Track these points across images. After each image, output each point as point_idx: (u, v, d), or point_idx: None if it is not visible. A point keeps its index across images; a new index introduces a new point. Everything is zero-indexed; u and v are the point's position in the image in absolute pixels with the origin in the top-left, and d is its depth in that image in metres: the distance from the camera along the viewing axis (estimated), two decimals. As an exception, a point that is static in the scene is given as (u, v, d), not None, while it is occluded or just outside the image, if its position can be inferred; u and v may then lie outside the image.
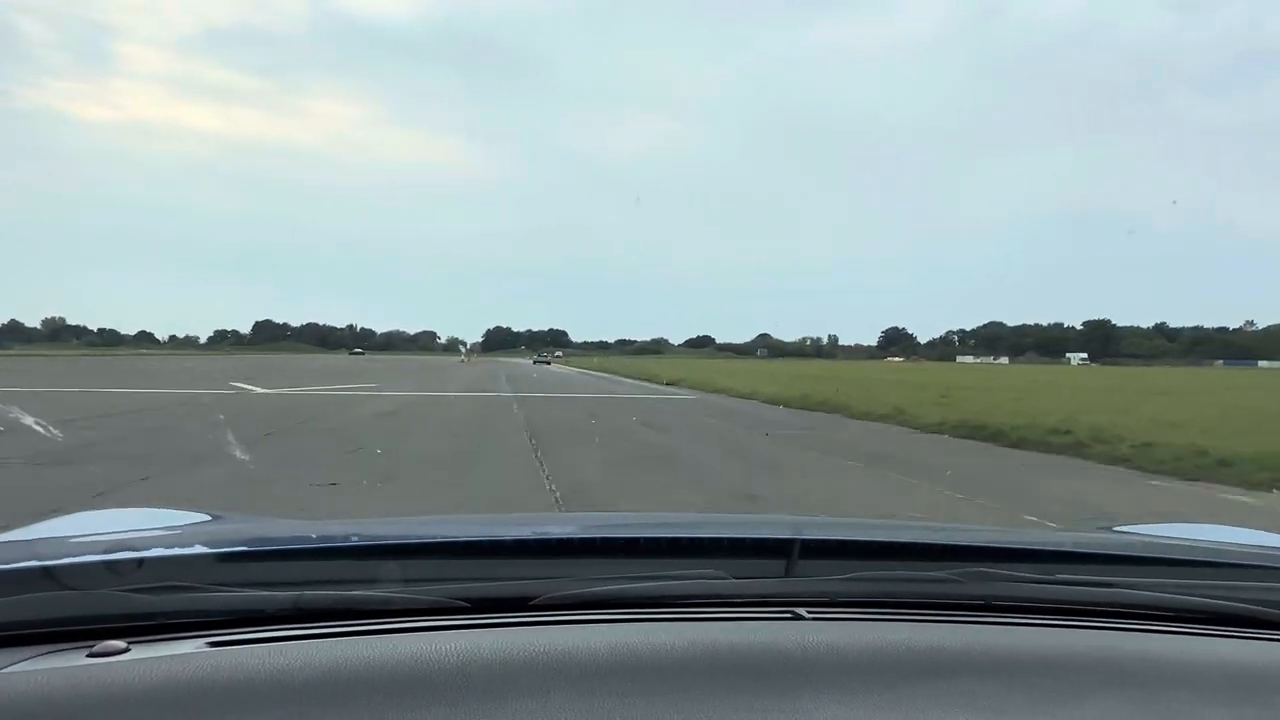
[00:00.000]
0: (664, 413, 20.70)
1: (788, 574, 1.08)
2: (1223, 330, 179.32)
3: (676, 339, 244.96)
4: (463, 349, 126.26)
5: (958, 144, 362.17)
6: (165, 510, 1.68)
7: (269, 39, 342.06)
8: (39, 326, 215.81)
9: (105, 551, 1.02)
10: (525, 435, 13.90)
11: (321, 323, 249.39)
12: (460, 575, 1.02)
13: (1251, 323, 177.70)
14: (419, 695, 0.75)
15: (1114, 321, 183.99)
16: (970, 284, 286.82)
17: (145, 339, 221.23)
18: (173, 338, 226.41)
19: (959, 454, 12.99)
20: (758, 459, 11.96)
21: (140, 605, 0.91)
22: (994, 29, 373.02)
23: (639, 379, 43.22)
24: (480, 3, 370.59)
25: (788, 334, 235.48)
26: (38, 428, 12.88)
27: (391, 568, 1.04)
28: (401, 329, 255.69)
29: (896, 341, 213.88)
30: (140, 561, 0.98)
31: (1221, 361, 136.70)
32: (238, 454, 10.57)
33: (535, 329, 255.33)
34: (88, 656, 0.83)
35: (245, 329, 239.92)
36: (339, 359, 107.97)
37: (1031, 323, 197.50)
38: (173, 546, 1.19)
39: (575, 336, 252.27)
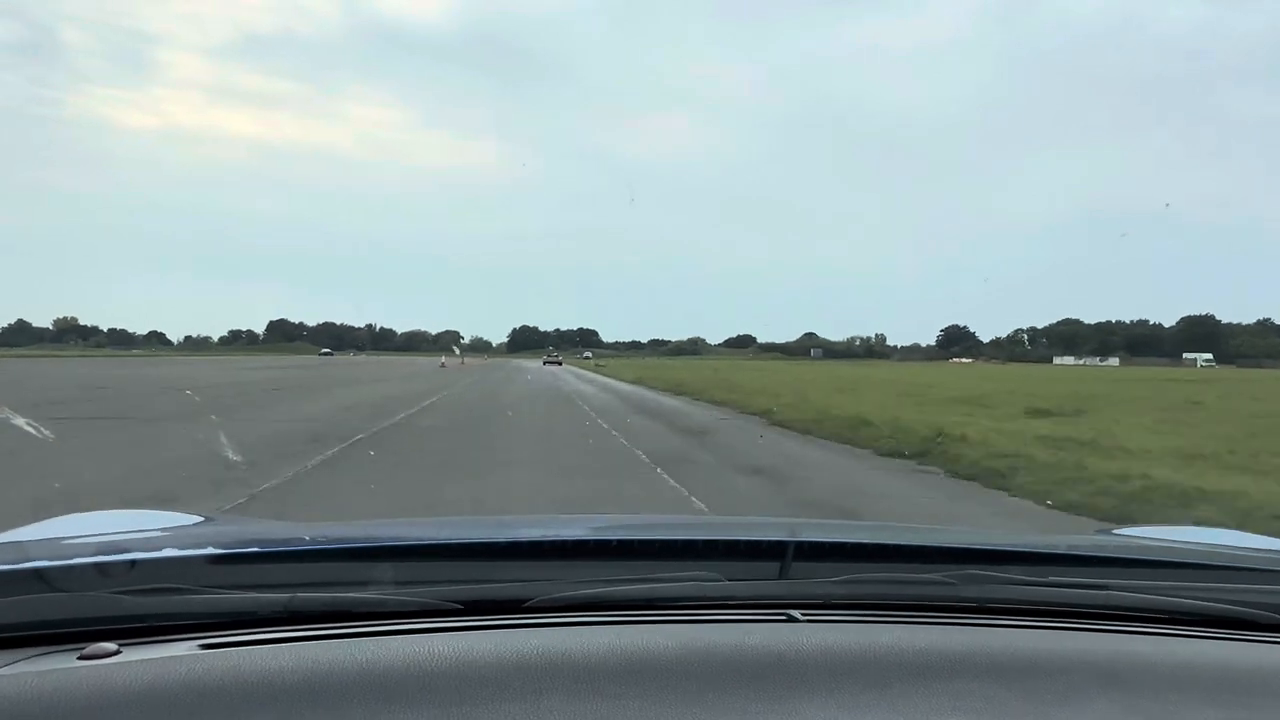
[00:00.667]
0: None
1: (782, 576, 1.08)
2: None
3: (714, 338, 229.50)
4: (456, 350, 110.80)
5: (999, 139, 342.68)
6: (157, 512, 1.69)
7: (304, 44, 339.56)
8: (50, 326, 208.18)
9: (96, 553, 1.02)
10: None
11: (338, 322, 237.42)
12: (454, 577, 1.02)
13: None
14: (413, 698, 0.75)
15: (1218, 317, 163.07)
16: (1033, 280, 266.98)
17: (156, 339, 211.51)
18: (188, 338, 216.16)
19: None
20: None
21: (131, 607, 0.91)
22: (1032, 21, 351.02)
23: (714, 401, 26.00)
24: (510, 5, 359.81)
25: (834, 333, 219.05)
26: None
27: (385, 570, 1.04)
28: (424, 329, 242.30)
29: (958, 340, 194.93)
30: (132, 563, 0.99)
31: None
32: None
33: (564, 328, 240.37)
34: (78, 659, 0.82)
35: (260, 329, 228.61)
36: (289, 360, 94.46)
37: (1113, 319, 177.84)
38: (164, 548, 1.17)
39: (606, 336, 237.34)
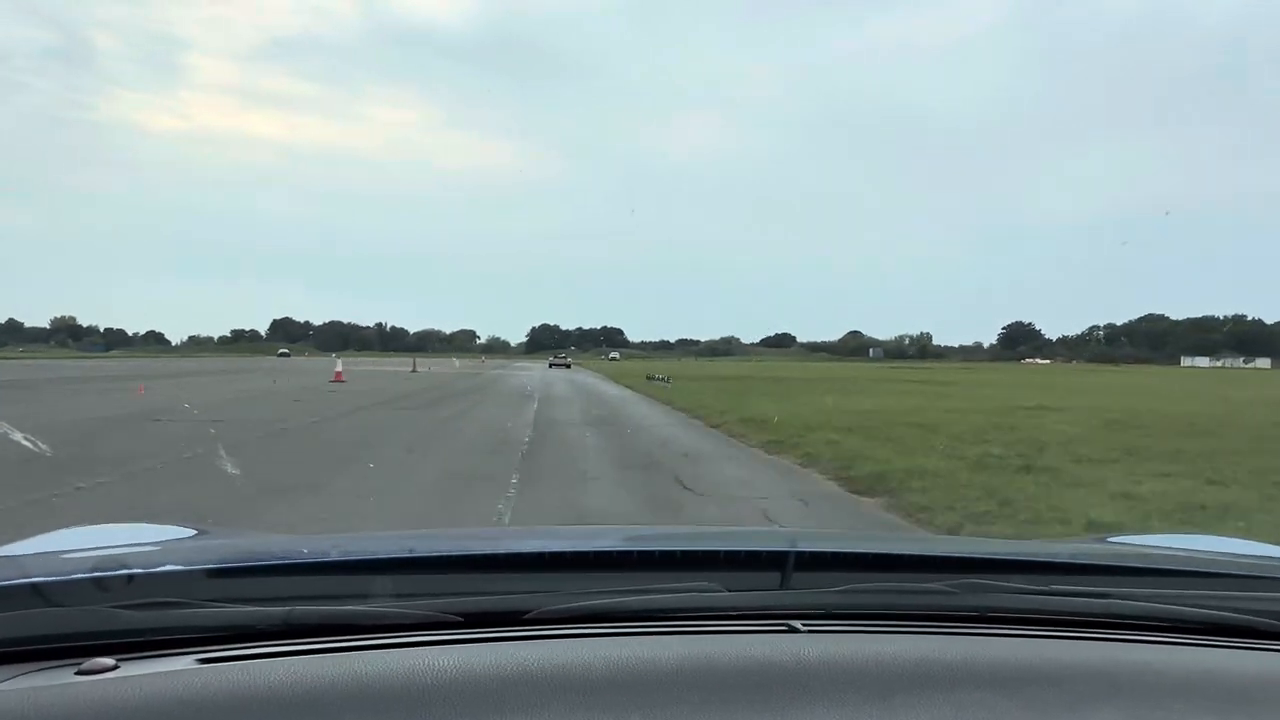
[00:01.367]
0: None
1: (783, 586, 1.07)
2: None
3: (749, 337, 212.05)
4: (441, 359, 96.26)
5: (1038, 134, 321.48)
6: (153, 525, 1.68)
7: (329, 47, 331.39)
8: (47, 325, 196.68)
9: (94, 568, 1.00)
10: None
11: (346, 321, 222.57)
12: (453, 590, 1.02)
13: None
14: (413, 711, 0.75)
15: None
16: (1099, 275, 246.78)
17: (154, 339, 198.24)
18: (191, 338, 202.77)
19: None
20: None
21: (129, 622, 0.90)
22: (1067, 14, 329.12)
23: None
24: (533, 5, 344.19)
25: (880, 331, 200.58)
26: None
27: (384, 582, 1.04)
28: (438, 328, 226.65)
29: (1022, 339, 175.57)
30: (129, 578, 0.97)
31: None
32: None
33: (586, 327, 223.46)
34: (76, 674, 0.82)
35: (264, 328, 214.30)
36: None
37: (1211, 314, 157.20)
38: (162, 563, 1.17)
39: (632, 336, 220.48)
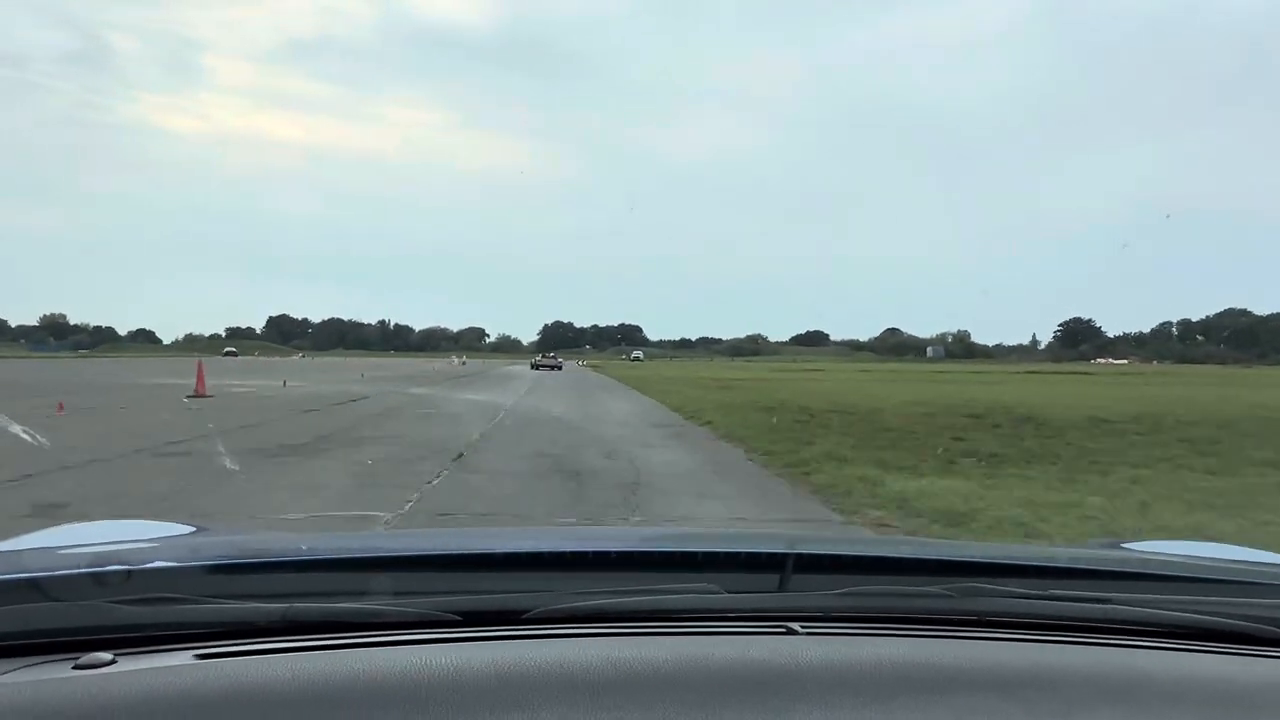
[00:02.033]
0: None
1: (781, 588, 1.07)
2: None
3: (777, 335, 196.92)
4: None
5: (1061, 130, 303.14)
6: (151, 522, 1.65)
7: (346, 48, 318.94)
8: (37, 323, 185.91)
9: (92, 563, 1.01)
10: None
11: (346, 318, 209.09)
12: (452, 588, 1.01)
13: None
14: (410, 709, 0.74)
15: None
16: (1162, 268, 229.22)
17: (144, 337, 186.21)
18: (187, 336, 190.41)
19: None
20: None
21: (127, 617, 0.89)
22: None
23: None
24: (549, 5, 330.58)
25: (918, 328, 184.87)
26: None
27: (382, 580, 1.03)
28: (445, 326, 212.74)
29: (1082, 337, 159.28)
30: (128, 573, 0.98)
31: None
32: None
33: (602, 324, 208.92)
34: (74, 668, 0.81)
35: (259, 325, 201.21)
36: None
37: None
38: (160, 558, 1.17)
39: (651, 334, 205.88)
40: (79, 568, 0.99)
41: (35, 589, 0.93)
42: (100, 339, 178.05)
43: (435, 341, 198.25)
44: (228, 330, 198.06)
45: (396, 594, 0.98)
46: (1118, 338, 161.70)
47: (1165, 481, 8.94)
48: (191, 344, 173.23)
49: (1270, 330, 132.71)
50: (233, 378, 31.91)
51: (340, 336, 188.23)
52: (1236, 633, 1.02)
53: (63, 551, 1.24)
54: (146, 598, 0.90)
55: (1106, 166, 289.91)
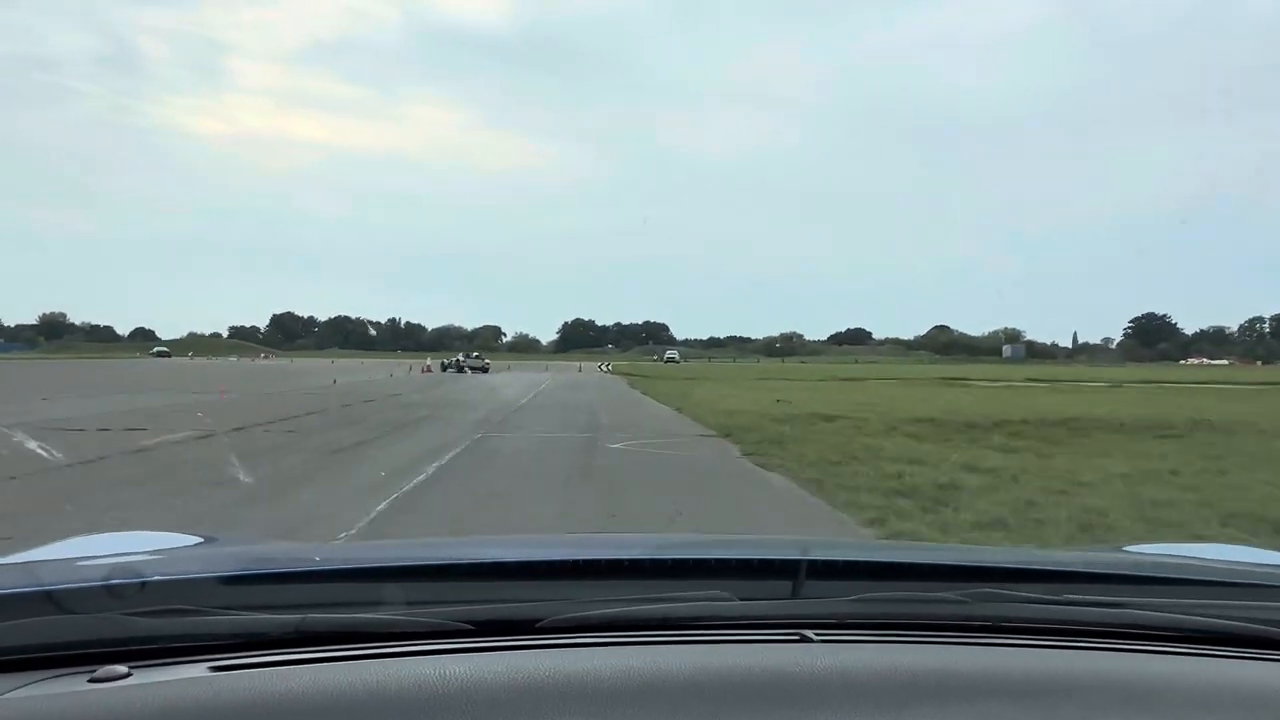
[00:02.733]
0: None
1: (794, 595, 1.06)
2: None
3: (814, 333, 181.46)
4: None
5: (1093, 126, 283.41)
6: (164, 533, 1.65)
7: (370, 50, 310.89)
8: (36, 322, 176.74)
9: (107, 575, 1.00)
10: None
11: (354, 316, 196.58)
12: (464, 598, 1.02)
13: None
14: (424, 719, 0.75)
15: None
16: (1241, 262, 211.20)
17: (142, 336, 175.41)
18: (190, 334, 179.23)
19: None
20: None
21: (142, 629, 0.89)
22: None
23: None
24: (572, 5, 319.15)
25: (968, 325, 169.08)
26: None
27: (395, 590, 1.03)
28: (459, 325, 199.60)
29: (1158, 335, 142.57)
30: (142, 585, 0.97)
31: None
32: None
33: (626, 322, 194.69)
34: (89, 681, 0.81)
35: (263, 323, 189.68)
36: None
37: None
38: (175, 570, 1.16)
39: (678, 332, 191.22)
40: (94, 580, 0.98)
41: (50, 602, 0.92)
42: (99, 338, 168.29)
43: (449, 341, 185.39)
44: (230, 329, 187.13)
45: (409, 604, 0.97)
46: (1197, 335, 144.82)
47: None
48: (193, 343, 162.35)
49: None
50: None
51: (344, 336, 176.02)
52: (1255, 636, 1.00)
53: (77, 564, 1.23)
54: (161, 609, 0.90)
55: (1166, 153, 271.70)
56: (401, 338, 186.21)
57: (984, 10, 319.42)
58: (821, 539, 2.89)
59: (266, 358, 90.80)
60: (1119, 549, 1.74)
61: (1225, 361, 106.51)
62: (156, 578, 1.03)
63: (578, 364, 70.17)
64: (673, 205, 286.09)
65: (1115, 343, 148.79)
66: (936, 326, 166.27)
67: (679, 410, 20.02)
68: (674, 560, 1.20)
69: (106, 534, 1.71)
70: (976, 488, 8.41)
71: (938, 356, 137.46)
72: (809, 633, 0.94)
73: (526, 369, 63.21)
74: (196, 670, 0.84)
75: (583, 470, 9.97)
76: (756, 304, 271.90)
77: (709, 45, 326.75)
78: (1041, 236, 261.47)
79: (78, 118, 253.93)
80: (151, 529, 1.69)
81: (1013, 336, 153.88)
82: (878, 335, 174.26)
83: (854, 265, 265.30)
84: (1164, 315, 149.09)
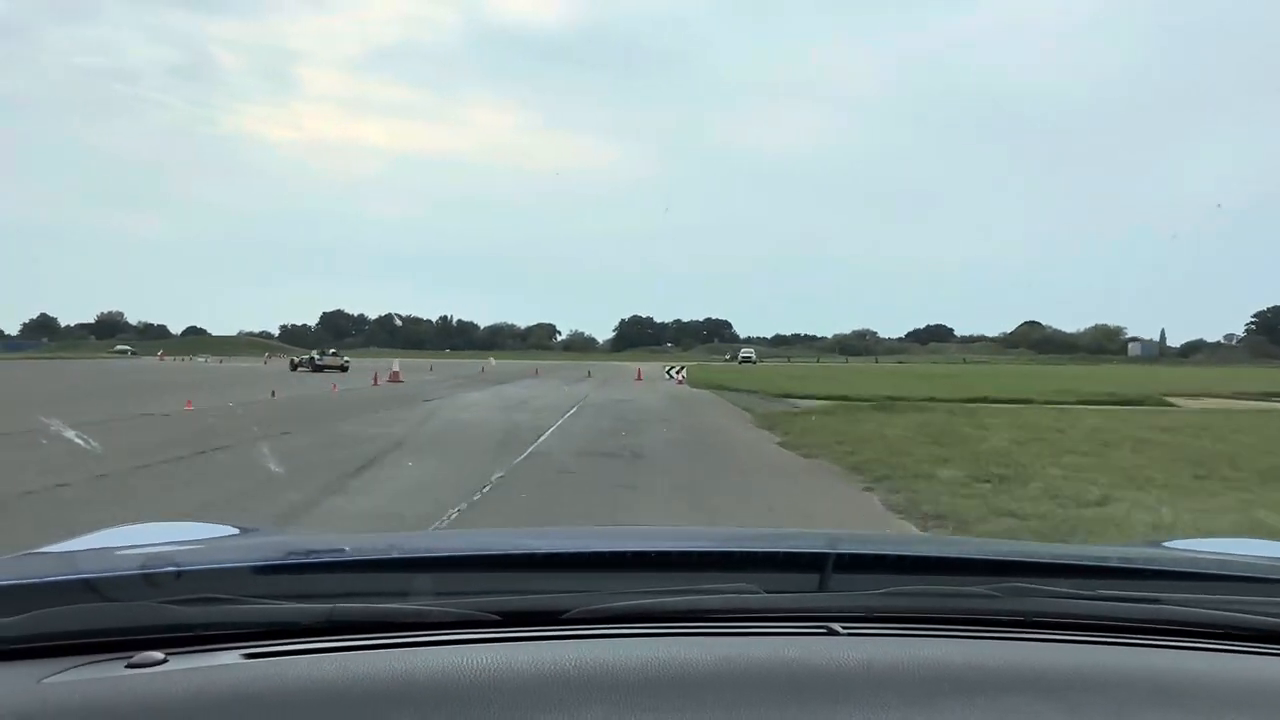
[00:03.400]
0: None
1: (821, 588, 1.05)
2: None
3: (889, 330, 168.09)
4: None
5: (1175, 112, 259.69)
6: (201, 524, 1.70)
7: (430, 55, 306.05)
8: (93, 321, 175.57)
9: (143, 564, 1.05)
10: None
11: (404, 313, 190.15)
12: (492, 589, 1.02)
13: None
14: (451, 708, 0.74)
15: None
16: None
17: (194, 334, 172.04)
18: (241, 333, 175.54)
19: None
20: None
21: (177, 617, 0.90)
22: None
23: None
24: (629, 4, 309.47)
25: (1064, 321, 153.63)
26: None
27: (424, 581, 1.04)
28: (512, 323, 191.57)
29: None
30: (178, 574, 1.02)
31: None
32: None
33: (686, 319, 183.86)
34: (126, 667, 0.82)
35: (313, 321, 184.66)
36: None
37: None
38: (209, 560, 1.20)
39: (741, 329, 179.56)
40: (131, 569, 1.02)
41: (90, 589, 0.96)
42: (151, 335, 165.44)
43: (501, 339, 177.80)
44: (281, 328, 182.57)
45: (438, 594, 0.99)
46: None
47: None
48: (229, 343, 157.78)
49: None
50: None
51: (389, 333, 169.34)
52: None
53: (116, 553, 1.27)
54: (196, 598, 0.92)
55: (1255, 139, 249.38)
56: (453, 336, 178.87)
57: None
58: (848, 532, 2.59)
59: (130, 351, 78.74)
60: (1157, 544, 1.66)
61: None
62: (192, 567, 1.07)
63: (635, 366, 52.69)
64: (733, 202, 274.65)
65: (1237, 339, 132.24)
66: (1027, 323, 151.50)
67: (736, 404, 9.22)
68: (700, 552, 1.20)
69: (146, 524, 1.77)
70: None
71: (1037, 355, 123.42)
72: (836, 626, 0.93)
73: (557, 373, 46.73)
74: (230, 657, 0.85)
75: None
76: (823, 301, 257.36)
77: (770, 40, 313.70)
78: (1138, 227, 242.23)
79: (155, 126, 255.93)
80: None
81: (1113, 334, 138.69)
82: (960, 332, 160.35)
83: (930, 260, 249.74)
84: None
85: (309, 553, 1.20)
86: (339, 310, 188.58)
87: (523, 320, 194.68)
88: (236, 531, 1.59)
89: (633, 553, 1.16)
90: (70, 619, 0.88)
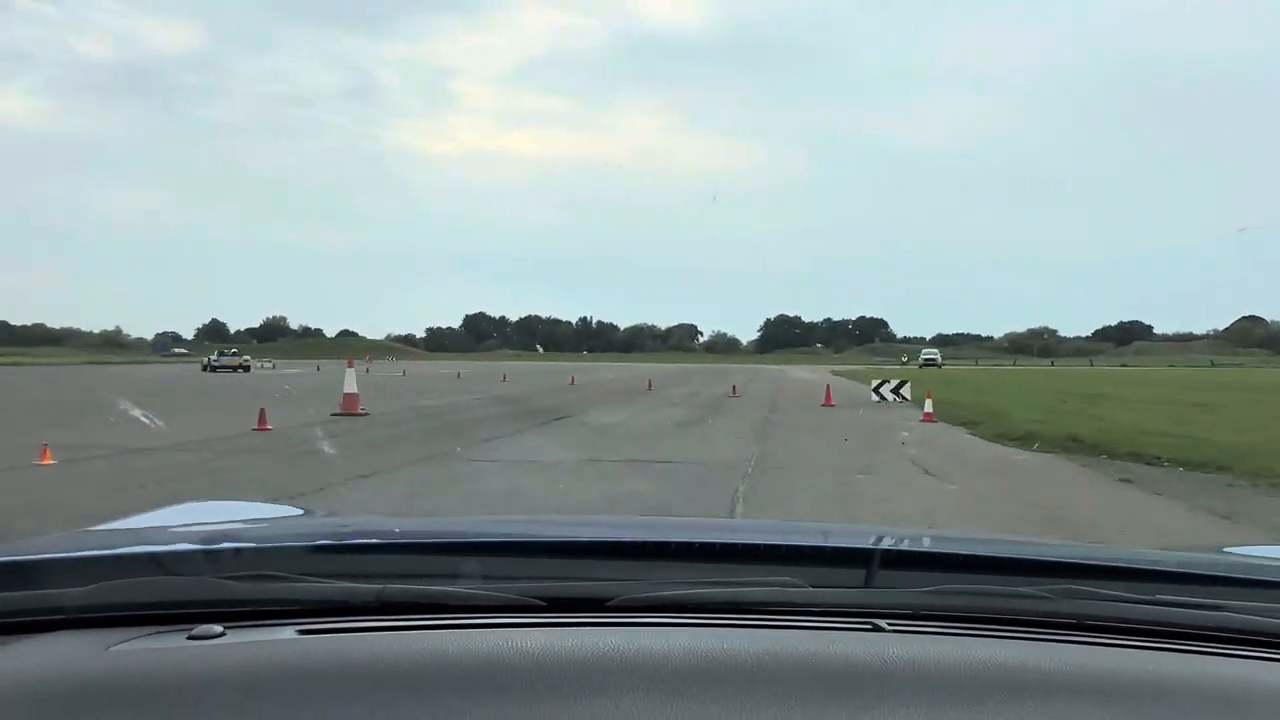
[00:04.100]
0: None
1: (867, 584, 1.03)
2: None
3: (1069, 329, 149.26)
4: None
5: None
6: (264, 504, 1.76)
7: (577, 64, 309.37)
8: (258, 325, 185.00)
9: (205, 541, 1.11)
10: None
11: (544, 315, 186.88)
12: (539, 574, 1.02)
13: None
14: (496, 690, 0.75)
15: None
16: None
17: (347, 336, 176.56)
18: (388, 336, 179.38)
19: None
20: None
21: (235, 592, 0.93)
22: None
23: None
24: (772, 2, 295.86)
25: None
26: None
27: (472, 564, 1.05)
28: (652, 324, 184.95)
29: None
30: (237, 551, 1.07)
31: None
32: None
33: (836, 319, 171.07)
34: (188, 639, 0.85)
35: (458, 324, 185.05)
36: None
37: None
38: (266, 538, 1.23)
39: (897, 328, 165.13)
40: (193, 544, 1.08)
41: (154, 563, 1.01)
42: (308, 339, 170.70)
43: (641, 340, 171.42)
44: (427, 330, 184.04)
45: (486, 578, 1.00)
46: None
47: None
48: (373, 346, 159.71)
49: None
50: None
51: (534, 334, 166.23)
52: None
53: (179, 529, 1.33)
54: (253, 574, 0.95)
55: None
56: (592, 337, 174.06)
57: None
58: (896, 529, 2.40)
59: (369, 358, 71.11)
60: (1217, 549, 1.59)
61: None
62: (250, 545, 1.11)
63: (802, 372, 41.40)
64: (884, 197, 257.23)
65: None
66: (1246, 318, 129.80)
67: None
68: (745, 545, 1.19)
69: (212, 502, 1.87)
70: None
71: (1271, 355, 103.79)
72: (881, 622, 0.91)
73: (684, 384, 34.56)
74: (285, 633, 0.87)
75: None
76: (990, 297, 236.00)
77: (920, 27, 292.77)
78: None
79: (325, 146, 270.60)
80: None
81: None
82: (1159, 329, 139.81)
83: (1117, 252, 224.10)
84: None
85: (360, 534, 1.24)
86: (481, 313, 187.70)
87: (663, 321, 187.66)
88: (297, 512, 1.62)
89: (677, 543, 1.15)
90: (135, 591, 0.91)
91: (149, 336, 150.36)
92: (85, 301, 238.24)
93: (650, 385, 30.94)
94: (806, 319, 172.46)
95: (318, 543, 1.14)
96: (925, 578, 0.99)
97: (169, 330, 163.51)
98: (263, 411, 13.26)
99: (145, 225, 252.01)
